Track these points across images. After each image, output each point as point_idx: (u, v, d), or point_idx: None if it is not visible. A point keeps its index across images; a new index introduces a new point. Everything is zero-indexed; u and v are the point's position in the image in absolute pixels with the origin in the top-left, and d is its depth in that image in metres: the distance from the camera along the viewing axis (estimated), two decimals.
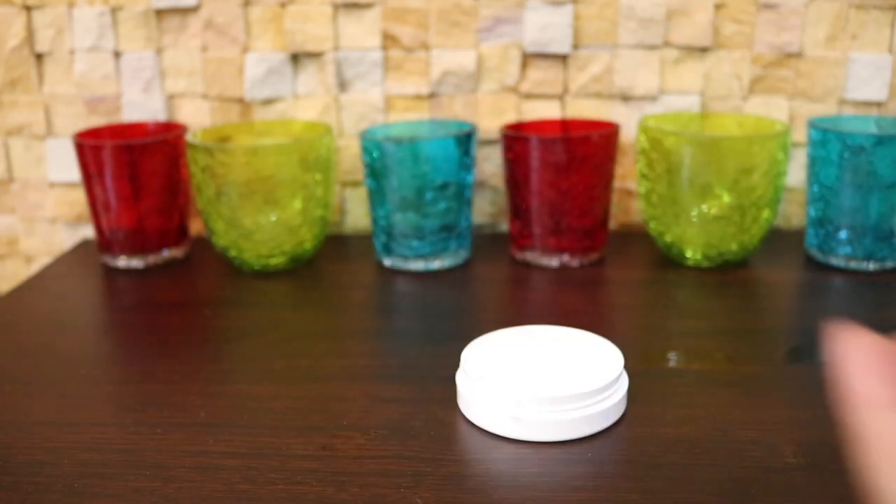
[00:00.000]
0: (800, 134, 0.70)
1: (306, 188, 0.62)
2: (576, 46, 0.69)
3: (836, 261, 0.61)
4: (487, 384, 0.41)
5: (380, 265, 0.65)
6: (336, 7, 0.69)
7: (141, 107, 0.72)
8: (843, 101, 0.69)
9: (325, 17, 0.69)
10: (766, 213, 0.61)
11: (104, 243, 0.66)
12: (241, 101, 0.72)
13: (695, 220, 0.61)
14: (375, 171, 0.62)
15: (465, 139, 0.62)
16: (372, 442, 0.41)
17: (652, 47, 0.69)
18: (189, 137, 0.63)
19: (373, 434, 0.41)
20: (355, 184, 0.73)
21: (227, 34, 0.70)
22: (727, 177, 0.59)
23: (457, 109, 0.71)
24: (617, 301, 0.59)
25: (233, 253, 0.64)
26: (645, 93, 0.70)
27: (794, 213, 0.72)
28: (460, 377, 0.44)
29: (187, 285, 0.63)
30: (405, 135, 0.66)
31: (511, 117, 0.71)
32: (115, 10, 0.70)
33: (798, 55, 0.68)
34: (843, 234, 0.60)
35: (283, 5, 0.69)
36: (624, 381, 0.43)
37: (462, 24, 0.69)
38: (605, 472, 0.37)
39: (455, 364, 0.46)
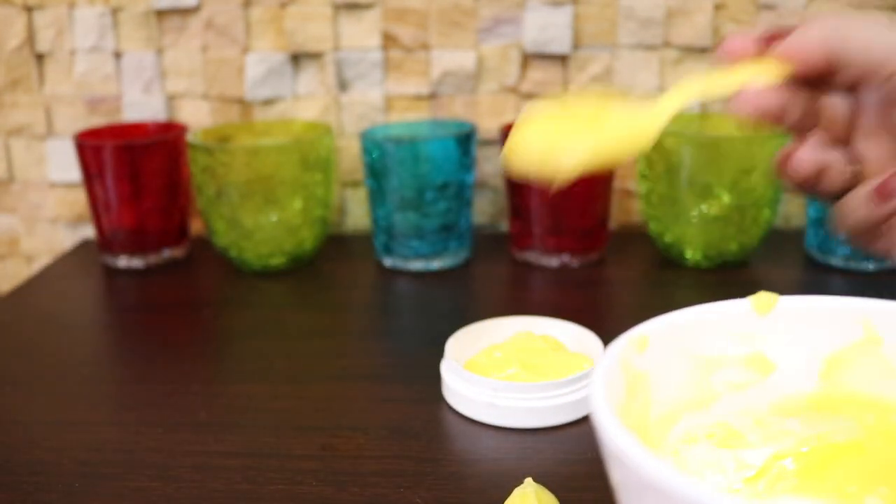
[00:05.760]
0: None
1: (306, 188, 0.62)
2: (576, 47, 0.69)
3: (835, 261, 0.61)
4: (465, 372, 0.42)
5: (380, 265, 0.65)
6: (336, 7, 0.69)
7: (141, 107, 0.72)
8: None
9: (325, 18, 0.69)
10: (765, 214, 0.61)
11: (105, 243, 0.66)
12: (241, 101, 0.72)
13: (694, 220, 0.61)
14: (375, 171, 0.62)
15: (465, 139, 0.62)
16: (372, 442, 0.41)
17: (652, 47, 0.69)
18: (189, 137, 0.63)
19: (373, 434, 0.41)
20: (355, 184, 0.73)
21: (228, 34, 0.70)
22: (727, 177, 0.59)
23: (457, 109, 0.71)
24: (616, 301, 0.59)
25: (233, 253, 0.64)
26: (645, 93, 0.70)
27: (794, 214, 0.72)
28: (444, 366, 0.44)
29: (187, 285, 0.63)
30: (405, 135, 0.66)
31: (511, 117, 0.71)
32: (115, 11, 0.70)
33: None
34: (842, 234, 0.60)
35: (283, 6, 0.69)
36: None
37: (462, 25, 0.69)
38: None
39: None
